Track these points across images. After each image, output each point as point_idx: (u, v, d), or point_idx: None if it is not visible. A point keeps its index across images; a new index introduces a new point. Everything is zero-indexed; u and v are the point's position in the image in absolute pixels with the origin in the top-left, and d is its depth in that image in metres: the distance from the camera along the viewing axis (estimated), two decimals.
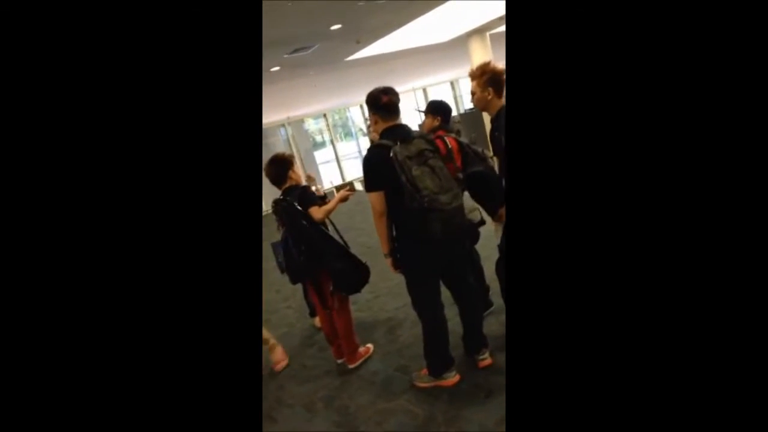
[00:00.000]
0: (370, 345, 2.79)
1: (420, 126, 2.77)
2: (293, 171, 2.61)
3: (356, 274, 2.49)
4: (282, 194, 2.56)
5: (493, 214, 2.32)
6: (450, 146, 2.22)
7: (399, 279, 2.19)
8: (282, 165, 2.58)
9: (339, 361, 2.70)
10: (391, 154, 1.89)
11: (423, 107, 2.76)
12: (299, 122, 12.98)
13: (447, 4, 6.00)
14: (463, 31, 8.42)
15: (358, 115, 13.83)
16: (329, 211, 2.49)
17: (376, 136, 2.09)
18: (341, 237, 2.67)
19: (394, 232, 2.06)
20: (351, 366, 2.65)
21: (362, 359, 2.68)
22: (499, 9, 7.26)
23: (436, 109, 2.70)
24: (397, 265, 2.10)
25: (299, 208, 2.46)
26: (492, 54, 9.05)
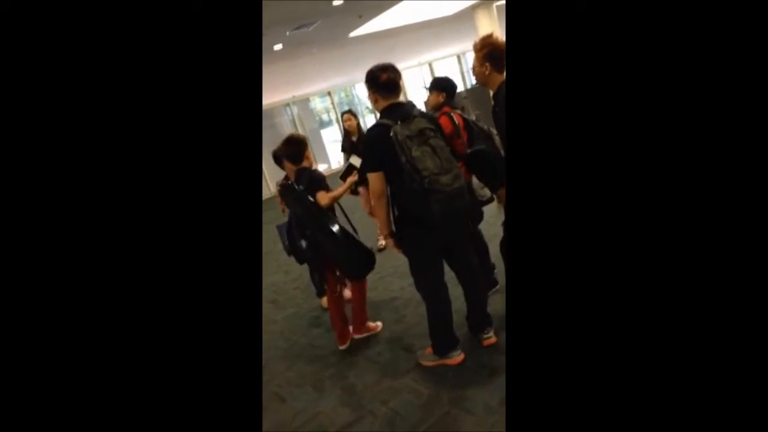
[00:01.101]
0: (379, 323, 2.83)
1: (425, 103, 2.72)
2: (306, 157, 2.59)
3: (359, 262, 2.49)
4: (295, 175, 2.57)
5: (494, 192, 2.30)
6: (457, 123, 2.17)
7: (404, 259, 2.19)
8: (298, 145, 2.59)
9: (341, 347, 2.71)
10: (391, 134, 1.86)
11: (428, 83, 2.72)
12: (305, 101, 12.84)
13: None
14: (468, 4, 8.18)
15: (364, 92, 13.52)
16: (336, 197, 2.48)
17: None
18: (349, 220, 2.68)
19: (396, 213, 2.06)
20: (355, 336, 2.72)
21: (368, 333, 2.74)
22: None
23: (441, 86, 2.65)
24: (400, 245, 2.10)
25: (304, 192, 2.45)
26: (499, 25, 8.82)
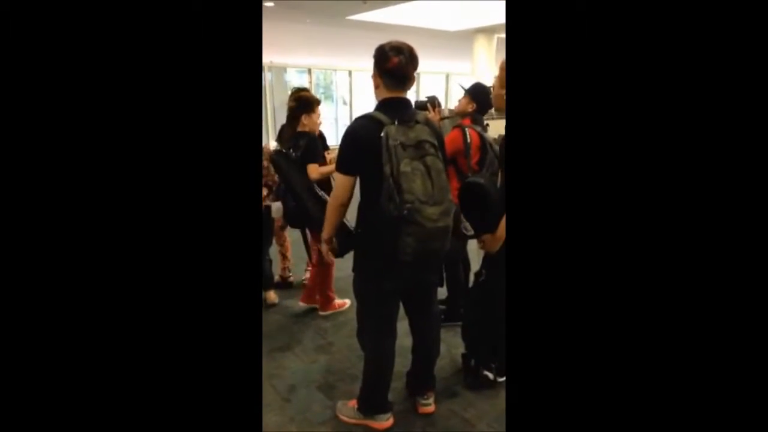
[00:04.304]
0: (347, 300, 2.81)
1: (430, 104, 2.33)
2: (308, 116, 2.48)
3: (340, 239, 2.26)
4: (292, 138, 2.51)
5: (477, 236, 1.96)
6: (470, 140, 1.81)
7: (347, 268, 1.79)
8: (300, 104, 2.48)
9: (302, 305, 2.84)
10: (382, 134, 1.45)
11: (466, 84, 2.43)
12: (281, 70, 12.10)
13: None
14: (472, 26, 8.00)
15: (344, 82, 13.13)
16: (326, 174, 2.39)
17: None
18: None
19: (357, 231, 1.66)
20: (322, 313, 2.79)
21: (335, 310, 2.81)
22: None
23: (477, 95, 2.31)
24: (336, 252, 1.75)
25: (298, 160, 2.38)
26: (495, 56, 8.74)
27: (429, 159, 1.50)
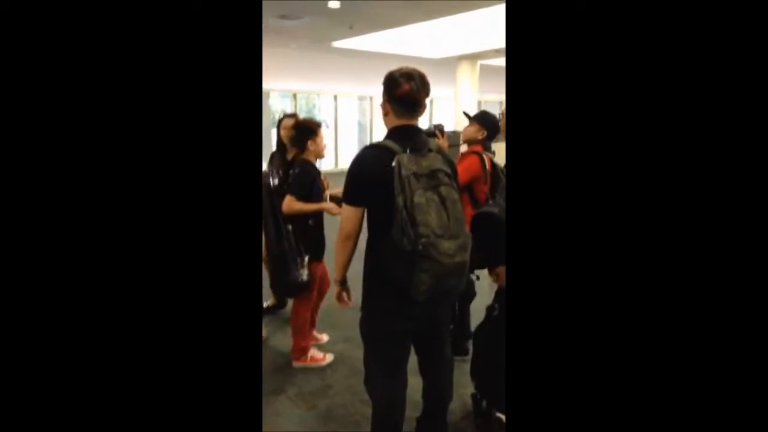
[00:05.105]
0: (330, 355, 2.49)
1: (438, 131, 2.21)
2: (313, 141, 2.29)
3: (284, 282, 2.27)
4: (287, 164, 2.44)
5: (490, 268, 1.86)
6: (487, 168, 1.74)
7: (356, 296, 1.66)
8: (301, 130, 2.31)
9: (294, 365, 2.46)
10: (394, 164, 1.36)
11: (471, 112, 2.40)
12: (264, 95, 12.05)
13: (450, 20, 5.65)
14: (455, 53, 8.14)
15: (327, 106, 13.14)
16: (300, 212, 2.20)
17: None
18: (296, 241, 2.28)
19: (367, 268, 1.54)
20: (294, 364, 2.44)
21: (309, 364, 2.43)
22: (495, 41, 7.11)
23: (486, 122, 2.26)
24: (347, 299, 1.62)
25: (279, 188, 2.31)
26: (478, 83, 8.88)
27: (443, 189, 1.41)
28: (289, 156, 2.63)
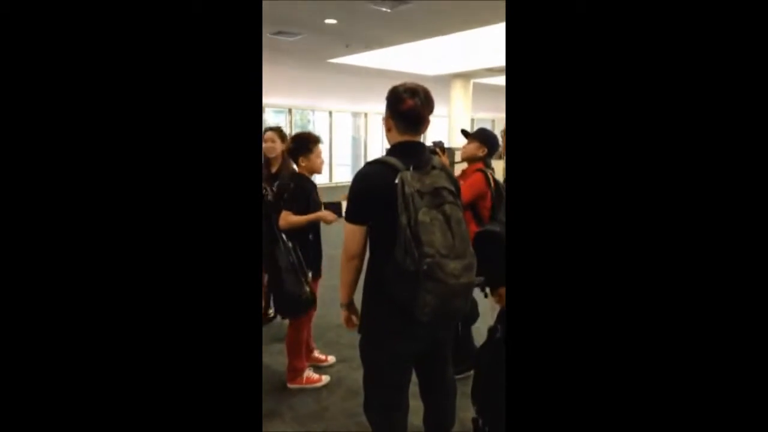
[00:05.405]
0: (325, 377, 2.43)
1: (438, 149, 2.19)
2: (306, 158, 2.23)
3: (290, 300, 2.20)
4: (281, 177, 2.42)
5: (492, 288, 1.84)
6: (492, 185, 1.73)
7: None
8: (297, 144, 2.26)
9: (289, 386, 2.38)
10: (397, 181, 1.33)
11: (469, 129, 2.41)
12: None
13: (444, 39, 5.74)
14: (449, 71, 8.25)
15: (322, 122, 13.22)
16: (296, 224, 2.17)
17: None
18: (297, 255, 2.22)
19: (370, 289, 1.51)
20: (289, 385, 2.37)
21: (305, 385, 2.37)
22: (488, 60, 7.22)
23: (486, 139, 2.25)
24: (355, 322, 1.56)
25: (276, 203, 2.26)
26: (471, 101, 8.99)
27: (448, 207, 1.38)
28: (273, 169, 2.66)
